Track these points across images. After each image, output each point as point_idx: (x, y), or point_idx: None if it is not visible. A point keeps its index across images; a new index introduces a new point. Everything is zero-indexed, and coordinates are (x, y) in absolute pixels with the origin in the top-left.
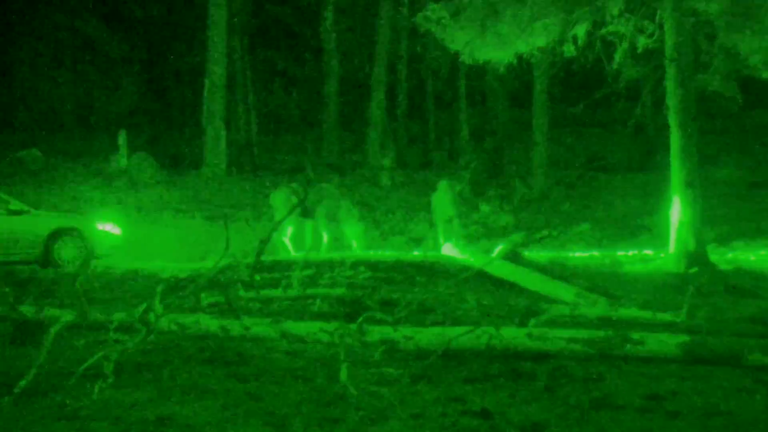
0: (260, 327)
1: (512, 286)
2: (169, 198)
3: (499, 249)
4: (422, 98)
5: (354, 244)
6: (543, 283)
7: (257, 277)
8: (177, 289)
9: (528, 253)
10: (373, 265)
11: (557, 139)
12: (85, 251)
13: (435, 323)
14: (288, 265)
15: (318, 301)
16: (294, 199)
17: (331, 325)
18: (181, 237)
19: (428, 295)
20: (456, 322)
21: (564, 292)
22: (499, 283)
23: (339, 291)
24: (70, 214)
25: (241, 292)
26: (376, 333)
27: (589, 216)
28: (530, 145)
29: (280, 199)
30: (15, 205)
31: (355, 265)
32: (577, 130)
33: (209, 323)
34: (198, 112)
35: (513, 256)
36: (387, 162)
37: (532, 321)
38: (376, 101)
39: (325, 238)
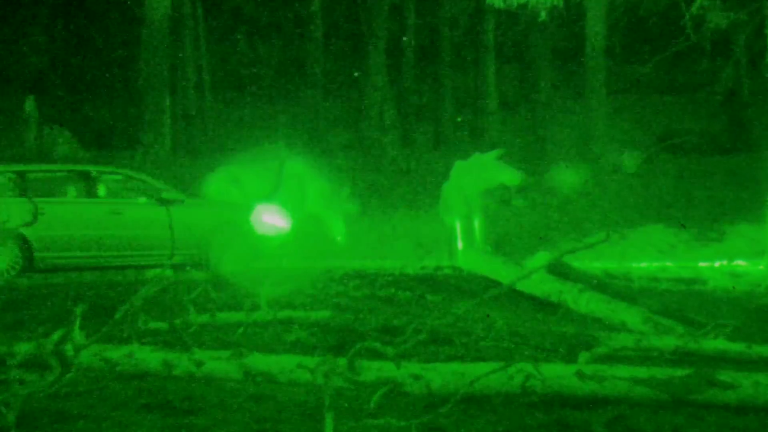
0: (217, 362)
1: (556, 308)
2: None
3: (538, 257)
4: (436, 55)
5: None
6: (598, 304)
7: (213, 294)
8: (109, 311)
9: (577, 264)
10: (370, 279)
11: (617, 110)
12: (249, 250)
13: (452, 358)
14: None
15: (295, 328)
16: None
17: (313, 360)
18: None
19: (443, 319)
20: (481, 357)
21: (627, 316)
22: (539, 304)
23: (323, 314)
24: (232, 204)
25: (192, 316)
26: (373, 371)
27: (660, 213)
28: (581, 117)
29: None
30: (169, 192)
31: (346, 278)
32: (645, 97)
33: (148, 357)
34: (133, 74)
35: (557, 268)
36: (388, 139)
37: (584, 355)
38: (374, 58)
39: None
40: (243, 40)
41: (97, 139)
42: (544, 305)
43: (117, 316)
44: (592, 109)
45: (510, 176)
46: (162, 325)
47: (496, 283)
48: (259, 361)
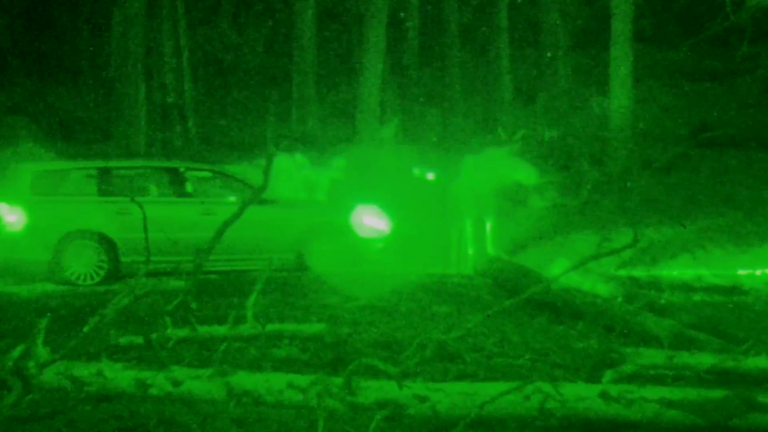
0: (197, 381)
1: (577, 320)
2: None
3: (557, 264)
4: (441, 36)
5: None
6: (624, 317)
7: (194, 305)
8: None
9: (601, 270)
10: (368, 287)
11: (647, 99)
12: (349, 253)
13: (462, 376)
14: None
15: (285, 343)
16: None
17: (305, 379)
18: None
19: (451, 333)
20: (493, 375)
21: (657, 329)
22: (559, 315)
23: (316, 327)
24: (326, 205)
25: (170, 329)
26: (372, 391)
27: (694, 215)
28: (605, 106)
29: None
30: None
31: (338, 285)
32: (678, 84)
33: (120, 376)
34: (104, 59)
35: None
36: (389, 132)
37: (609, 374)
38: (372, 40)
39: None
40: (227, 22)
41: (62, 130)
42: (564, 317)
43: (85, 329)
44: (615, 102)
45: (526, 173)
46: (136, 340)
47: (510, 293)
48: (245, 380)
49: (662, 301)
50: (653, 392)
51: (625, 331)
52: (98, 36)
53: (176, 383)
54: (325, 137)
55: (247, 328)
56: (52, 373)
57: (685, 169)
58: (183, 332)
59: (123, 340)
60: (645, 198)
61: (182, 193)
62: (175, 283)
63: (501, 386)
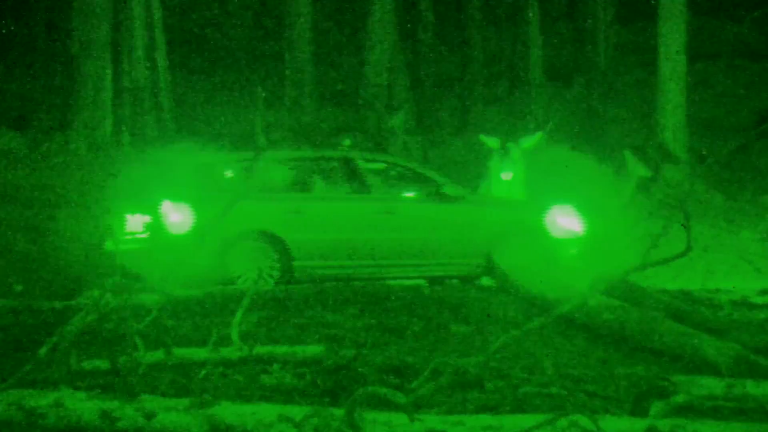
0: (172, 414)
1: (620, 342)
2: (15, 179)
3: (597, 277)
4: (461, 9)
5: None
6: (675, 338)
7: (169, 323)
8: (33, 346)
9: (647, 282)
10: (370, 300)
11: (702, 82)
12: (544, 258)
13: (483, 408)
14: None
15: (277, 368)
16: None
17: (300, 410)
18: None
19: (471, 357)
20: (520, 406)
21: (714, 353)
22: (597, 336)
23: (313, 349)
24: (521, 202)
25: (141, 352)
26: (378, 425)
27: (756, 219)
28: (653, 91)
29: None
30: (450, 187)
31: (339, 300)
32: (738, 65)
33: (82, 407)
34: (64, 36)
35: (621, 288)
36: (398, 120)
37: (658, 405)
38: (379, 14)
39: None
40: None
41: (14, 118)
42: (604, 339)
43: (41, 352)
44: (667, 80)
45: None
46: (101, 364)
47: (541, 309)
48: (229, 412)
49: (720, 320)
50: (709, 428)
51: (677, 356)
52: (57, 7)
53: (148, 416)
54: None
55: (231, 351)
56: (2, 404)
57: (747, 163)
58: (156, 355)
59: (86, 365)
60: (699, 197)
61: (358, 189)
62: (147, 298)
63: (530, 419)
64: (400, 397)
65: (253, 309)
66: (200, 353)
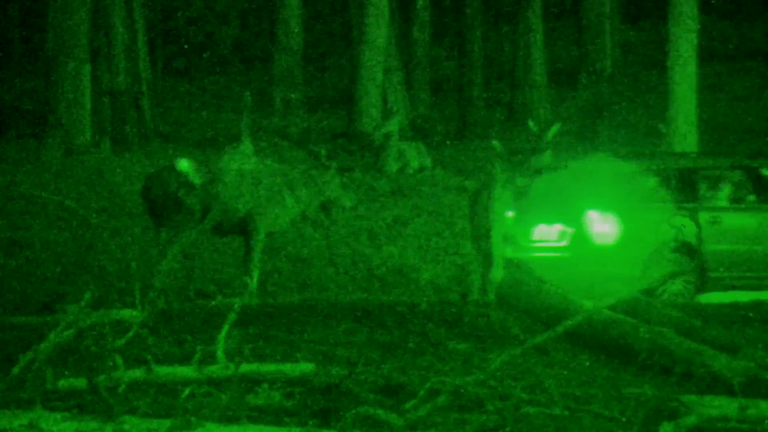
0: None
1: (629, 360)
2: None
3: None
4: (460, 7)
5: None
6: (686, 355)
7: (151, 340)
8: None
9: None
10: (363, 315)
11: (713, 85)
12: None
13: (482, 429)
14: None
15: (265, 387)
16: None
17: None
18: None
19: (471, 376)
20: (522, 428)
21: (727, 371)
22: (606, 354)
23: (303, 367)
24: None
25: (121, 371)
26: None
27: None
28: (664, 93)
29: None
30: None
31: (330, 314)
32: (752, 67)
33: (57, 429)
34: (39, 35)
35: (636, 304)
36: (393, 125)
37: (666, 427)
38: (373, 11)
39: None
40: None
41: None
42: (613, 356)
43: (15, 370)
44: (677, 83)
45: None
46: (78, 383)
47: (544, 325)
48: None
49: (733, 336)
50: None
51: (687, 374)
52: (33, 6)
53: None
54: None
55: (217, 369)
56: None
57: None
58: (137, 373)
59: (62, 384)
60: None
61: (766, 198)
62: (127, 313)
63: None
64: (394, 419)
65: (242, 324)
66: (184, 371)
